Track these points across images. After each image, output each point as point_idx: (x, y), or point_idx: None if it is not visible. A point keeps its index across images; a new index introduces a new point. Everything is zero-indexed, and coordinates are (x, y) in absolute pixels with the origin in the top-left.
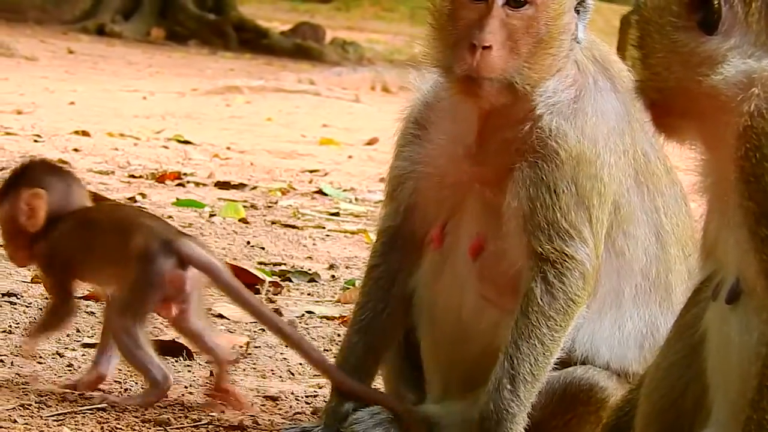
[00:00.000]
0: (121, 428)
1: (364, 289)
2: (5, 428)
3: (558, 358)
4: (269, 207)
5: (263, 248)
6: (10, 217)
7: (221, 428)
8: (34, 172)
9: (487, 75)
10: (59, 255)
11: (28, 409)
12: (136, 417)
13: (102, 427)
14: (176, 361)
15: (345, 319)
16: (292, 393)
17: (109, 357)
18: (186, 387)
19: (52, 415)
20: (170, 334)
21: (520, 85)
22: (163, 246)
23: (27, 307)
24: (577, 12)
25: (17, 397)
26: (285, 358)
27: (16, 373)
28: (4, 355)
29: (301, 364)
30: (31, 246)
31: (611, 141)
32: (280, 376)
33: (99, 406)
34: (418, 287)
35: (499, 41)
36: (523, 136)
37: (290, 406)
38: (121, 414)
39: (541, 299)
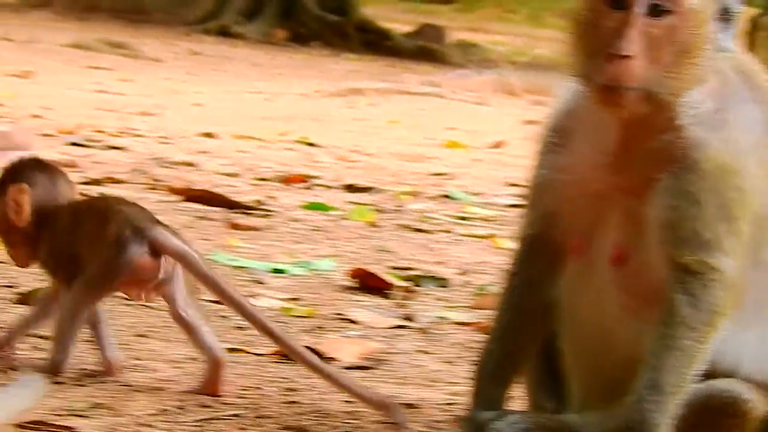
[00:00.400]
0: None
1: (503, 297)
2: None
3: (701, 370)
4: (397, 210)
5: (393, 252)
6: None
7: None
8: (19, 169)
9: (626, 84)
10: (61, 250)
11: (168, 414)
12: (277, 425)
13: None
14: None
15: (479, 325)
16: (430, 400)
17: (109, 343)
18: (323, 393)
19: (193, 421)
20: (305, 340)
21: (661, 95)
22: (134, 232)
23: (158, 311)
24: (722, 21)
25: (156, 403)
26: (421, 365)
27: (154, 378)
28: (141, 359)
29: (437, 371)
30: (30, 245)
31: (756, 152)
32: (418, 383)
33: (237, 411)
34: (558, 296)
35: (639, 50)
36: (666, 146)
37: (428, 414)
38: (260, 420)
39: (684, 310)
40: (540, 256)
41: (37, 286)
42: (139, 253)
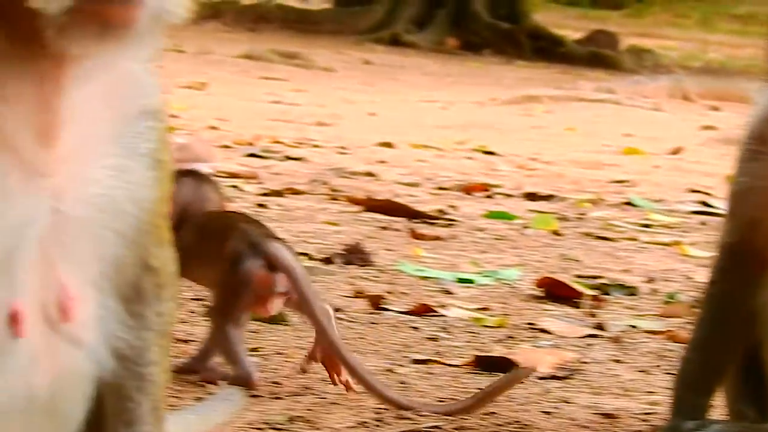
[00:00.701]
0: None
1: (703, 306)
2: None
3: None
4: (580, 218)
5: (578, 260)
6: None
7: None
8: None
9: None
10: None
11: (367, 427)
12: None
13: None
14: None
15: (671, 333)
16: (628, 410)
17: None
18: (521, 404)
19: None
20: (498, 350)
21: None
22: (250, 247)
23: (351, 321)
24: None
25: (354, 415)
26: (616, 375)
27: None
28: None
29: (633, 380)
30: None
31: None
32: (614, 393)
33: (437, 423)
34: (760, 305)
35: None
36: None
37: (627, 424)
38: (458, 431)
39: None
40: (741, 265)
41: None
42: (255, 268)
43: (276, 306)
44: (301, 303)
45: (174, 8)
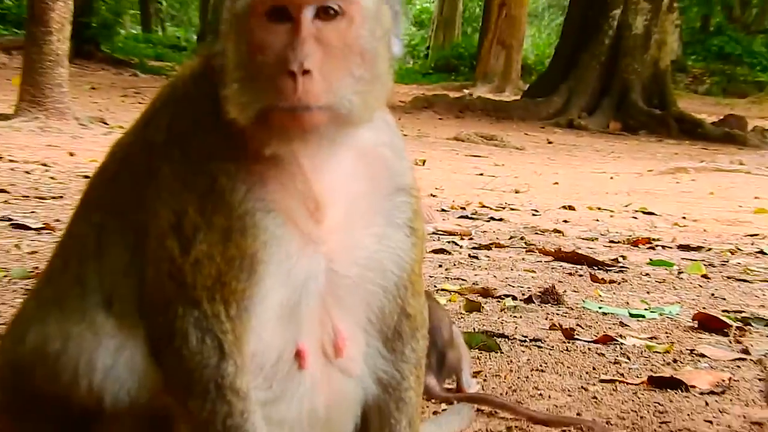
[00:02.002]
0: None
1: None
2: None
3: None
4: (723, 265)
5: (724, 298)
6: None
7: None
8: None
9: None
10: None
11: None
12: None
13: None
14: (675, 393)
15: None
16: None
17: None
18: (692, 414)
19: None
20: (667, 371)
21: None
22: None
23: (550, 349)
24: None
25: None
26: (761, 390)
27: (552, 405)
28: (541, 390)
29: None
30: None
31: None
32: (760, 405)
33: None
34: None
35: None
36: None
37: None
38: None
39: None
40: None
41: None
42: None
43: None
44: None
45: (351, 106)
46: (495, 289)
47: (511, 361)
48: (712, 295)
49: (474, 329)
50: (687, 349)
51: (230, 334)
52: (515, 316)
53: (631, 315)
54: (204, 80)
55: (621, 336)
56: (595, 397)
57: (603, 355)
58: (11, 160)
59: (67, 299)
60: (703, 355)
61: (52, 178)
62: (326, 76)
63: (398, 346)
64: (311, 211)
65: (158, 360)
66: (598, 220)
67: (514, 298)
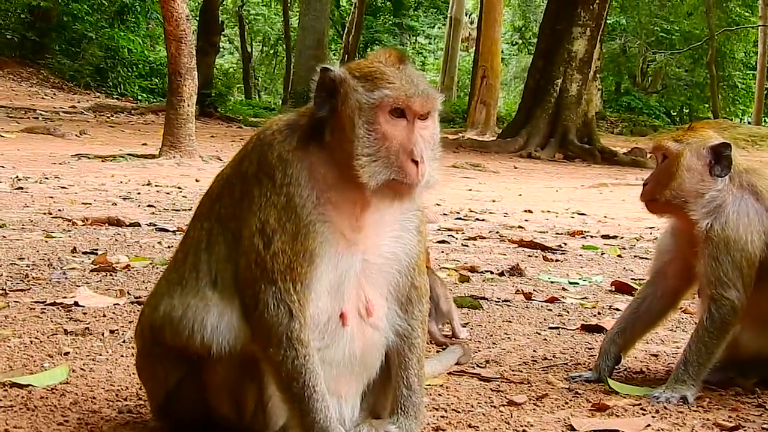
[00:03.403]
0: None
1: None
2: None
3: None
4: (632, 248)
5: (632, 271)
6: None
7: None
8: None
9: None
10: None
11: (526, 365)
12: None
13: None
14: (599, 335)
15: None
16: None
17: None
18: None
19: None
20: (594, 321)
21: None
22: None
23: (514, 308)
24: None
25: (522, 357)
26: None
27: (518, 344)
28: (509, 334)
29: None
30: None
31: None
32: (660, 341)
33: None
34: None
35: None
36: None
37: None
38: None
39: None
40: None
41: None
42: None
43: None
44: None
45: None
46: (479, 266)
47: (489, 316)
48: (624, 268)
49: (464, 294)
50: (607, 305)
51: (297, 303)
52: (492, 285)
53: (570, 283)
54: (288, 130)
55: (563, 297)
56: (545, 339)
57: (551, 310)
58: (157, 185)
59: (187, 280)
60: (618, 309)
61: (184, 197)
62: (427, 162)
63: (410, 308)
64: (354, 225)
65: (248, 321)
66: (548, 219)
67: (492, 272)
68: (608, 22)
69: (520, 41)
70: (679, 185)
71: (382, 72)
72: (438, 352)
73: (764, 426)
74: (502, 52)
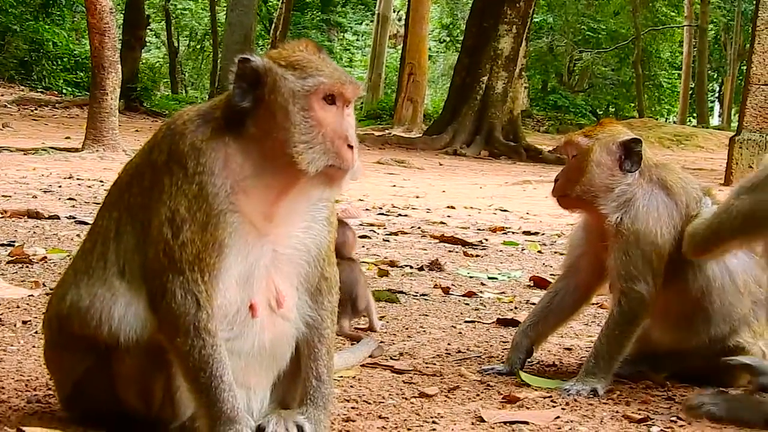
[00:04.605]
0: None
1: None
2: None
3: None
4: (552, 244)
5: (552, 266)
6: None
7: None
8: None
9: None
10: None
11: (440, 357)
12: None
13: None
14: (514, 329)
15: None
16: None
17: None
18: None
19: None
20: (510, 315)
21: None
22: None
23: (432, 301)
24: None
25: (436, 350)
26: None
27: (433, 338)
28: (425, 328)
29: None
30: None
31: None
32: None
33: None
34: None
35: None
36: None
37: None
38: None
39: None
40: None
41: None
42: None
43: None
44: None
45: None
46: (398, 261)
47: (406, 309)
48: (544, 264)
49: (383, 288)
50: (525, 300)
51: (204, 293)
52: (411, 279)
53: (489, 278)
54: (200, 120)
55: (481, 292)
56: (461, 333)
57: (468, 304)
58: (79, 179)
59: (94, 270)
60: (534, 304)
61: (105, 190)
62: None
63: (319, 299)
64: (266, 214)
65: (154, 311)
66: (470, 215)
67: (411, 267)
68: (535, 20)
69: (448, 39)
70: (589, 180)
71: (310, 60)
72: (351, 344)
73: (672, 418)
74: (430, 49)
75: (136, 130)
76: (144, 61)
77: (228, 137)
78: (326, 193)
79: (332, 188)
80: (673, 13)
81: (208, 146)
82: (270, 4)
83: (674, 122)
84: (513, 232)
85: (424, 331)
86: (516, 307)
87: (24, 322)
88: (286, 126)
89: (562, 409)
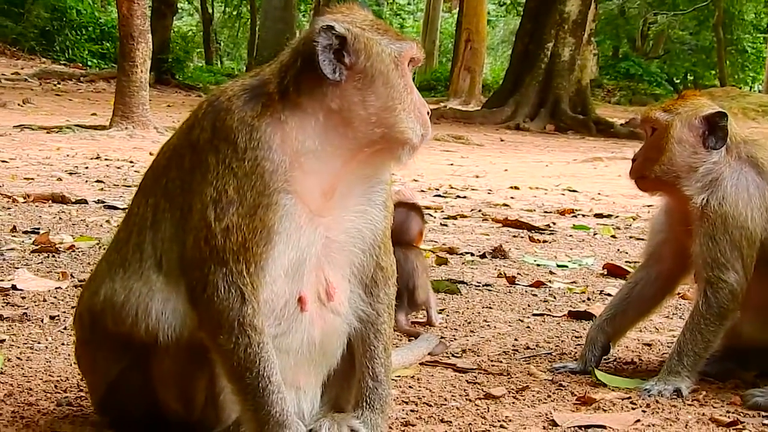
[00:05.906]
0: None
1: None
2: None
3: None
4: (627, 228)
5: (627, 253)
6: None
7: None
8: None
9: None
10: None
11: (507, 354)
12: None
13: None
14: (587, 323)
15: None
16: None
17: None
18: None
19: None
20: (582, 307)
21: None
22: None
23: (497, 292)
24: None
25: (501, 347)
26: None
27: (498, 333)
28: (489, 321)
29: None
30: None
31: None
32: (653, 329)
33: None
34: None
35: None
36: None
37: None
38: None
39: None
40: None
41: None
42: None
43: None
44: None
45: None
46: (458, 248)
47: (468, 301)
48: (618, 250)
49: (441, 278)
50: (598, 290)
51: (250, 286)
52: (472, 268)
53: (558, 266)
54: (247, 96)
55: (550, 281)
56: (528, 327)
57: (536, 295)
58: (107, 159)
59: (129, 262)
60: (609, 295)
61: (136, 171)
62: None
63: (375, 291)
64: (323, 193)
65: (195, 306)
66: (536, 197)
67: (472, 254)
68: None
69: (508, 2)
70: (669, 159)
71: (383, 24)
72: (409, 341)
73: (765, 422)
74: (489, 13)
75: (168, 105)
76: (176, 29)
77: (284, 113)
78: (397, 166)
79: (404, 161)
80: None
81: (261, 122)
82: None
83: (759, 91)
84: (583, 215)
85: (489, 325)
86: (589, 299)
87: (52, 317)
88: (388, 93)
89: (643, 411)
